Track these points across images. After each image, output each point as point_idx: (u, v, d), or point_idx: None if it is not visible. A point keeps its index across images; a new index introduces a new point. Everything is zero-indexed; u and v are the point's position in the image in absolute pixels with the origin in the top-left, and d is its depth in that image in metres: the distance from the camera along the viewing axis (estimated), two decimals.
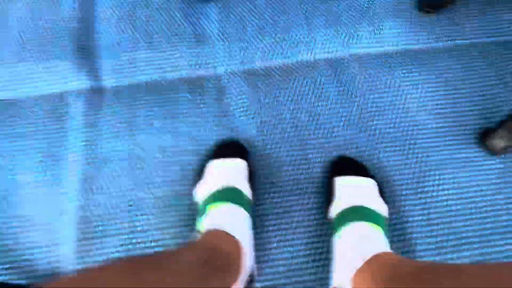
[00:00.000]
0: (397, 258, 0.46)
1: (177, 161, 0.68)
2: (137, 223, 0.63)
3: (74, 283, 0.28)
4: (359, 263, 0.47)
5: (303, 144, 0.69)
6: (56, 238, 0.62)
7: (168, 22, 0.82)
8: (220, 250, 0.46)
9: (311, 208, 0.64)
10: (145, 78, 0.77)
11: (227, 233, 0.49)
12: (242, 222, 0.54)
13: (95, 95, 0.75)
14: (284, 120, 0.72)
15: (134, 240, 0.61)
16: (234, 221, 0.53)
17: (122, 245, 0.61)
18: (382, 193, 0.60)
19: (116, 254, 0.60)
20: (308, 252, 0.60)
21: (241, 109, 0.73)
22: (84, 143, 0.69)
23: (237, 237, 0.50)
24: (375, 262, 0.46)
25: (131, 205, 0.64)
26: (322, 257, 0.60)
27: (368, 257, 0.47)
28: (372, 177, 0.61)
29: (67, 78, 0.76)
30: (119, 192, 0.65)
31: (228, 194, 0.56)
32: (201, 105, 0.73)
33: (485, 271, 0.32)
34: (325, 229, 0.62)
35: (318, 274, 0.59)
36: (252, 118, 0.72)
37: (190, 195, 0.65)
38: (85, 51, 0.79)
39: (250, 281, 0.54)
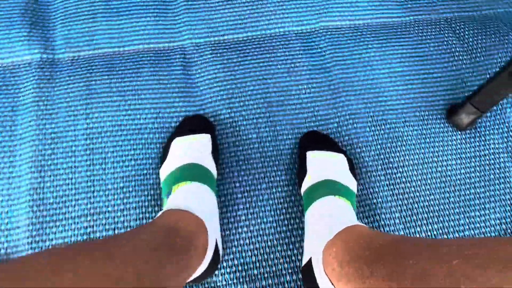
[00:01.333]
0: (371, 231, 0.46)
1: (139, 139, 0.64)
2: (96, 205, 0.59)
3: None
4: (330, 236, 0.46)
5: (272, 120, 0.67)
6: (9, 222, 0.58)
7: None
8: (179, 229, 0.43)
9: (280, 185, 0.62)
10: (103, 50, 0.71)
11: (188, 212, 0.47)
12: (207, 200, 0.52)
13: (48, 67, 0.69)
14: (252, 94, 0.69)
15: (92, 223, 0.58)
16: (197, 200, 0.50)
17: (79, 228, 0.58)
18: (352, 168, 0.59)
19: (74, 239, 0.57)
20: (278, 229, 0.59)
21: (208, 83, 0.69)
22: (35, 119, 0.64)
23: (200, 215, 0.48)
24: (347, 234, 0.45)
25: (89, 186, 0.60)
26: (293, 234, 0.59)
27: (339, 229, 0.46)
28: (342, 152, 0.60)
29: (15, 49, 0.70)
30: (75, 173, 0.61)
31: (192, 172, 0.54)
32: (165, 79, 0.69)
33: (463, 245, 0.32)
34: (295, 205, 0.61)
35: (288, 251, 0.58)
36: (219, 92, 0.69)
37: (154, 174, 0.62)
38: (36, 20, 0.72)
39: (216, 260, 0.52)
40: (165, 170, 0.56)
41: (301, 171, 0.59)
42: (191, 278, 0.49)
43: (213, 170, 0.57)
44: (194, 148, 0.57)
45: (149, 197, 0.60)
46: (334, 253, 0.44)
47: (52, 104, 0.65)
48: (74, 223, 0.58)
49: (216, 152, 0.60)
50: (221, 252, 0.54)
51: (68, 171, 0.61)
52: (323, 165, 0.58)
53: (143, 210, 0.59)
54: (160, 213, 0.47)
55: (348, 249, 0.43)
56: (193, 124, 0.62)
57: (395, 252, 0.36)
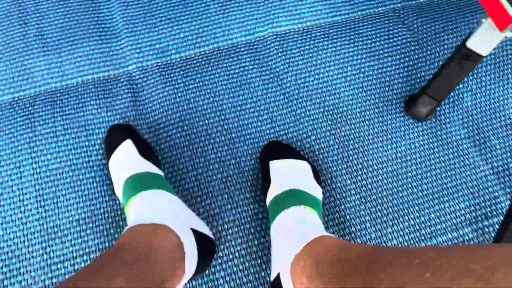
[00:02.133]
0: (340, 241, 0.44)
1: (92, 177, 0.61)
2: (53, 254, 0.56)
3: None
4: (297, 249, 0.44)
5: (230, 138, 0.65)
6: None
7: (64, 20, 0.73)
8: (126, 245, 0.42)
9: (246, 204, 0.60)
10: (44, 88, 0.68)
11: (138, 225, 0.45)
12: (157, 201, 0.51)
13: None
14: (206, 113, 0.66)
15: (51, 275, 0.55)
16: (145, 209, 0.49)
17: (37, 282, 0.54)
18: (316, 175, 0.58)
19: None
20: (249, 250, 0.57)
21: (159, 107, 0.66)
22: None
23: (155, 220, 0.46)
24: (315, 247, 0.44)
25: (43, 235, 0.57)
26: (265, 253, 0.57)
27: (306, 242, 0.44)
28: (305, 159, 0.59)
29: None
30: (27, 224, 0.57)
31: (130, 187, 0.52)
32: (113, 110, 0.66)
33: (434, 256, 0.31)
34: (263, 223, 0.59)
35: (262, 272, 0.56)
36: (172, 116, 0.66)
37: (112, 212, 0.58)
38: None
39: (209, 246, 0.51)
40: (118, 196, 0.56)
41: (265, 181, 0.57)
42: (189, 275, 0.47)
43: (151, 169, 0.55)
44: (122, 161, 0.56)
45: (109, 237, 0.57)
46: (302, 267, 0.43)
47: None
48: (31, 278, 0.54)
49: (147, 149, 0.59)
50: (210, 235, 0.53)
51: (18, 222, 0.57)
52: (287, 173, 0.56)
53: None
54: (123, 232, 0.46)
55: (317, 263, 0.41)
56: (111, 139, 0.60)
57: (367, 265, 0.34)
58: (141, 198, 0.51)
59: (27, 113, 0.65)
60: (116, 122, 0.64)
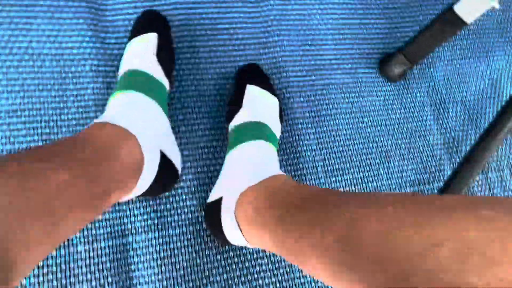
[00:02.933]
0: (296, 182, 0.43)
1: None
2: None
3: None
4: (254, 181, 0.43)
5: (196, 57, 0.60)
6: None
7: None
8: (91, 140, 0.38)
9: (203, 129, 0.57)
10: None
11: (108, 123, 0.41)
12: (139, 108, 0.46)
13: None
14: (174, 26, 0.60)
15: None
16: (125, 109, 0.44)
17: None
18: (280, 113, 0.56)
19: None
20: (197, 175, 0.55)
21: (120, 3, 0.59)
22: None
23: (127, 126, 0.42)
24: (271, 182, 0.43)
25: None
26: (213, 182, 0.55)
27: (265, 177, 0.43)
28: (276, 96, 0.56)
29: None
30: None
31: (125, 81, 0.47)
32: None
33: (394, 197, 0.30)
34: (222, 148, 0.57)
35: (207, 199, 0.55)
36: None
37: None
38: None
39: (170, 175, 0.48)
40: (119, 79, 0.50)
41: (235, 102, 0.54)
42: (138, 193, 0.45)
43: (158, 75, 0.50)
44: (135, 52, 0.50)
45: (44, 136, 0.51)
46: (252, 198, 0.42)
47: None
48: None
49: (167, 53, 0.53)
50: (178, 165, 0.50)
51: None
52: (260, 105, 0.53)
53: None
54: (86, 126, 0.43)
55: (270, 197, 0.40)
56: (140, 23, 0.53)
57: (322, 201, 0.34)
58: (128, 96, 0.46)
59: None
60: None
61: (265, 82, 0.56)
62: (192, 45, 0.60)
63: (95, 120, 0.42)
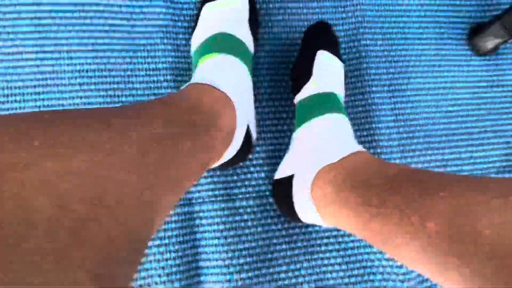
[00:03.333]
0: (381, 159, 0.40)
1: (103, 24, 0.51)
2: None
3: None
4: (333, 158, 0.40)
5: (268, 20, 0.55)
6: None
7: None
8: (200, 106, 0.35)
9: (266, 98, 0.54)
10: None
11: (212, 87, 0.39)
12: (237, 74, 0.43)
13: None
14: None
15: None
16: (224, 73, 0.42)
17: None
18: (344, 78, 0.51)
19: None
20: (264, 148, 0.52)
21: None
22: None
23: (227, 91, 0.40)
24: (353, 160, 0.39)
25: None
26: (282, 154, 0.53)
27: (346, 153, 0.40)
28: (342, 60, 0.51)
29: None
30: (25, 61, 0.49)
31: (220, 43, 0.45)
32: None
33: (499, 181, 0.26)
34: (289, 117, 0.53)
35: (275, 172, 0.52)
36: None
37: (125, 64, 0.51)
38: None
39: (247, 146, 0.46)
40: (195, 41, 0.48)
41: (303, 71, 0.49)
42: (217, 164, 0.43)
43: (248, 43, 0.47)
44: (225, 15, 0.47)
45: (115, 98, 0.50)
46: (332, 177, 0.39)
47: None
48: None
49: (256, 21, 0.50)
50: (254, 137, 0.47)
51: (10, 57, 0.49)
52: (331, 73, 0.49)
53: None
54: (182, 87, 0.39)
55: (352, 176, 0.37)
56: None
57: (417, 183, 0.30)
58: (225, 59, 0.43)
59: None
60: None
61: (334, 45, 0.51)
62: (264, 6, 0.55)
63: (197, 81, 0.39)
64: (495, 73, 0.60)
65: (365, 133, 0.55)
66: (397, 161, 0.55)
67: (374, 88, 0.56)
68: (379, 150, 0.54)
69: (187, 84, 0.39)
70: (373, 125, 0.55)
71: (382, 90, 0.56)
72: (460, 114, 0.58)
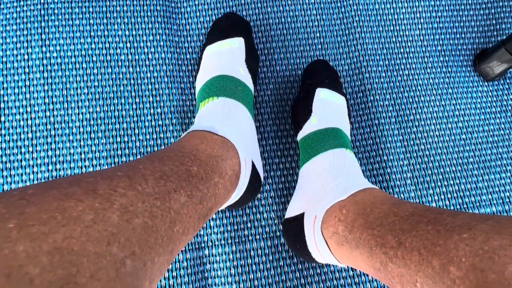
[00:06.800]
0: (391, 196, 0.38)
1: (109, 73, 0.53)
2: (59, 152, 0.50)
3: None
4: (342, 195, 0.39)
5: (271, 59, 0.56)
6: None
7: None
8: (198, 155, 0.35)
9: (272, 137, 0.53)
10: None
11: (211, 133, 0.39)
12: (237, 116, 0.43)
13: None
14: None
15: (55, 173, 0.49)
16: (224, 117, 0.42)
17: (39, 178, 0.49)
18: (348, 113, 0.51)
19: None
20: (274, 186, 0.52)
21: (195, 9, 0.56)
22: None
23: (227, 135, 0.40)
24: (364, 197, 0.38)
25: (49, 129, 0.50)
26: (290, 193, 0.52)
27: (355, 190, 0.39)
28: (344, 94, 0.51)
29: None
30: (32, 113, 0.50)
31: (218, 86, 0.45)
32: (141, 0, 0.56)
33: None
34: (294, 160, 0.53)
35: (285, 211, 0.51)
36: (206, 18, 0.56)
37: (128, 117, 0.51)
38: None
39: (256, 185, 0.45)
40: (198, 84, 0.48)
41: (303, 109, 0.49)
42: (225, 205, 0.43)
43: (247, 81, 0.47)
44: (223, 57, 0.48)
45: (123, 144, 0.51)
46: (342, 216, 0.38)
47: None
48: (32, 172, 0.49)
49: (254, 59, 0.50)
50: (261, 175, 0.47)
51: (22, 110, 0.50)
52: (332, 109, 0.48)
53: (116, 160, 0.50)
54: (183, 134, 0.39)
55: (365, 213, 0.35)
56: (223, 27, 0.51)
57: (435, 223, 0.28)
58: (224, 102, 0.43)
59: None
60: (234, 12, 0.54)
61: (334, 81, 0.51)
62: (267, 46, 0.56)
63: (195, 129, 0.39)
64: (506, 97, 0.59)
65: (376, 166, 0.53)
66: (412, 193, 0.53)
67: (381, 120, 0.55)
68: (391, 183, 0.53)
69: (187, 132, 0.39)
70: (384, 158, 0.54)
71: (389, 122, 0.55)
72: (473, 141, 0.56)
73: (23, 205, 0.19)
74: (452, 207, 0.53)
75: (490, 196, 0.54)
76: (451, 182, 0.54)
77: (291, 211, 0.46)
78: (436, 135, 0.55)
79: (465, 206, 0.53)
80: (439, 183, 0.53)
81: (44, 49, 0.52)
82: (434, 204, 0.52)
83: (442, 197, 0.53)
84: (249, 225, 0.50)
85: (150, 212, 0.24)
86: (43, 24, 0.53)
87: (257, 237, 0.50)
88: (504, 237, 0.24)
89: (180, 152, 0.34)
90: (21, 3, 0.53)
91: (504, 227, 0.25)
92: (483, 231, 0.25)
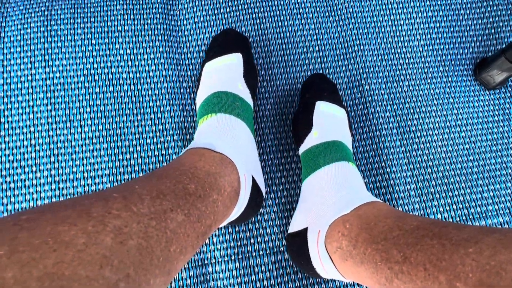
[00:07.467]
0: (395, 209, 0.38)
1: (111, 92, 0.53)
2: (61, 171, 0.50)
3: None
4: (346, 209, 0.38)
5: (271, 73, 0.56)
6: None
7: None
8: (195, 173, 0.35)
9: (274, 151, 0.54)
10: None
11: (209, 150, 0.39)
12: (235, 132, 0.43)
13: None
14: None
15: (58, 192, 0.49)
16: (222, 133, 0.42)
17: (43, 197, 0.49)
18: (349, 125, 0.51)
19: None
20: (277, 201, 0.51)
21: (194, 27, 0.57)
22: None
23: (226, 152, 0.40)
24: (367, 211, 0.37)
25: (52, 148, 0.51)
26: (293, 207, 0.51)
27: (358, 204, 0.38)
28: (344, 107, 0.51)
29: None
30: (35, 133, 0.51)
31: (217, 102, 0.45)
32: (142, 19, 0.57)
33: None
34: (296, 174, 0.53)
35: (288, 226, 0.51)
36: (205, 39, 0.57)
37: (130, 134, 0.52)
38: None
39: (257, 199, 0.45)
40: (198, 100, 0.49)
41: (303, 123, 0.49)
42: (227, 222, 0.42)
43: (246, 96, 0.47)
44: (222, 73, 0.48)
45: (125, 161, 0.51)
46: (346, 230, 0.37)
47: (3, 48, 0.53)
48: (36, 192, 0.49)
49: (252, 74, 0.50)
50: (263, 190, 0.47)
51: (26, 130, 0.51)
52: (332, 122, 0.48)
53: (118, 177, 0.51)
54: (182, 152, 0.39)
55: (369, 227, 0.35)
56: (221, 43, 0.51)
57: (440, 236, 0.28)
58: (222, 118, 0.44)
59: (43, 8, 0.56)
60: (227, 28, 0.54)
61: (333, 93, 0.51)
62: (267, 61, 0.57)
63: (193, 146, 0.40)
64: (508, 105, 0.58)
65: (379, 178, 0.53)
66: (416, 205, 0.52)
67: (383, 132, 0.55)
68: (395, 195, 0.52)
69: (186, 149, 0.40)
70: (387, 170, 0.53)
71: (391, 133, 0.55)
72: (477, 151, 0.55)
73: (16, 230, 0.19)
74: (457, 218, 0.52)
75: (496, 206, 0.53)
76: (456, 193, 0.53)
77: (295, 226, 0.46)
78: (439, 146, 0.55)
79: (471, 217, 0.52)
80: (443, 194, 0.53)
81: (47, 69, 0.53)
82: (439, 216, 0.52)
83: (447, 208, 0.52)
84: (252, 240, 0.50)
85: (145, 233, 0.24)
86: (46, 45, 0.54)
87: (261, 252, 0.49)
88: (511, 251, 0.24)
89: (178, 170, 0.34)
90: (25, 25, 0.55)
91: (511, 241, 0.24)
92: (489, 245, 0.25)
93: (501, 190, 0.54)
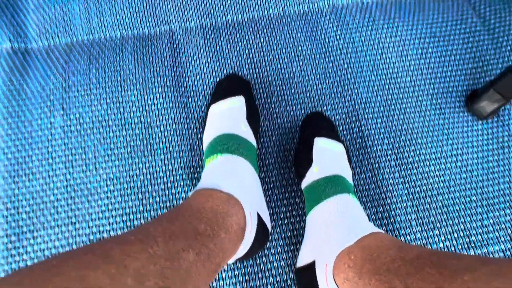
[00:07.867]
0: (397, 240, 0.40)
1: (123, 136, 0.57)
2: (78, 212, 0.53)
3: None
4: (349, 241, 0.40)
5: (272, 113, 0.60)
6: None
7: None
8: (204, 213, 0.37)
9: (278, 186, 0.56)
10: (81, 38, 0.63)
11: (216, 191, 0.41)
12: (240, 172, 0.46)
13: (20, 57, 0.61)
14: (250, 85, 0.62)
15: (75, 233, 0.52)
16: (228, 174, 0.45)
17: (60, 239, 0.52)
18: (349, 159, 0.53)
19: (54, 251, 0.51)
20: (283, 235, 0.53)
21: (200, 72, 0.62)
22: (6, 117, 0.57)
23: (232, 191, 0.42)
24: (370, 242, 0.39)
25: (69, 191, 0.54)
26: (299, 240, 0.53)
27: (361, 235, 0.40)
28: (341, 141, 0.54)
29: None
30: (53, 177, 0.54)
31: (222, 144, 0.48)
32: (151, 68, 0.62)
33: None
34: (300, 208, 0.55)
35: (295, 259, 0.52)
36: (211, 79, 0.61)
37: (141, 175, 0.55)
38: (3, 4, 0.64)
39: (263, 235, 0.47)
40: (205, 142, 0.52)
41: (304, 159, 0.52)
42: (234, 259, 0.44)
43: (249, 137, 0.51)
44: (226, 116, 0.51)
45: (137, 202, 0.54)
46: (351, 261, 0.39)
47: (25, 99, 0.58)
48: (54, 233, 0.52)
49: (254, 115, 0.54)
50: (269, 226, 0.49)
51: (45, 175, 0.54)
52: (332, 157, 0.51)
53: (131, 217, 0.53)
54: (191, 192, 0.42)
55: (372, 259, 0.37)
56: (225, 87, 0.55)
57: (438, 265, 0.30)
58: (227, 159, 0.47)
59: (62, 62, 0.61)
60: (217, 76, 0.59)
61: (330, 130, 0.54)
62: (268, 101, 0.61)
63: (201, 187, 0.42)
64: (502, 134, 0.61)
65: (380, 209, 0.55)
66: (418, 234, 0.54)
67: (381, 164, 0.57)
68: (397, 226, 0.54)
69: (194, 189, 0.42)
70: (387, 201, 0.55)
71: (389, 165, 0.57)
72: (474, 180, 0.57)
73: (48, 276, 0.22)
74: (459, 247, 0.53)
75: (497, 234, 0.54)
76: (456, 221, 0.55)
77: (302, 260, 0.48)
78: (437, 175, 0.57)
79: (472, 245, 0.53)
80: (444, 223, 0.54)
81: (65, 117, 0.57)
82: (441, 244, 0.53)
83: (449, 237, 0.54)
84: (260, 275, 0.51)
85: (161, 273, 0.27)
86: (64, 95, 0.59)
87: (269, 287, 0.51)
88: (504, 280, 0.25)
89: (187, 211, 0.37)
90: (46, 79, 0.60)
91: (504, 270, 0.26)
92: (485, 274, 0.27)
93: (500, 217, 0.55)
